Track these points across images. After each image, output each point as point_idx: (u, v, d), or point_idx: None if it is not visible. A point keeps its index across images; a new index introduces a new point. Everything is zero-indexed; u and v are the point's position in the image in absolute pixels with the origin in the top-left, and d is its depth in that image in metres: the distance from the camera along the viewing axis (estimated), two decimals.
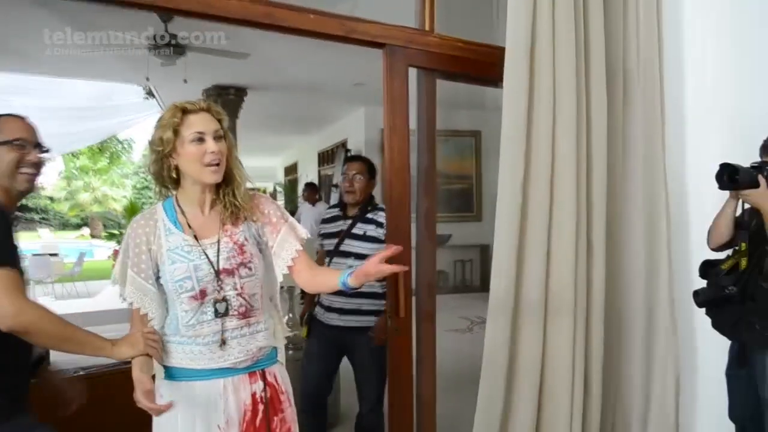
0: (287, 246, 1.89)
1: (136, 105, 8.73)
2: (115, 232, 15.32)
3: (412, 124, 2.59)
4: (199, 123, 1.76)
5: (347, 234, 3.19)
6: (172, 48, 5.14)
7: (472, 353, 2.51)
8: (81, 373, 2.84)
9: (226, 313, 1.78)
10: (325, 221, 3.41)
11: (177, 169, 1.80)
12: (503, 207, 2.43)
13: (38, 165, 1.85)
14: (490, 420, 2.45)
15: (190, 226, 1.82)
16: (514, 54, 2.40)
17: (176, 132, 1.75)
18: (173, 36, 5.04)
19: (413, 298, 2.61)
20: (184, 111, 1.76)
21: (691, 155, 2.95)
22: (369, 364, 3.14)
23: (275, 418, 1.86)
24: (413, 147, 2.66)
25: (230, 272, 1.79)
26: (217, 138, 1.77)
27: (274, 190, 19.75)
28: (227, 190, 1.84)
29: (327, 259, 3.25)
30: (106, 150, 26.99)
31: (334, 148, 11.04)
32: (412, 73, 2.61)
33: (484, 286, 9.52)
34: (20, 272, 1.66)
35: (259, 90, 8.03)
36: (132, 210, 15.07)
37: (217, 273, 1.78)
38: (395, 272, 1.80)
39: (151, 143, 1.80)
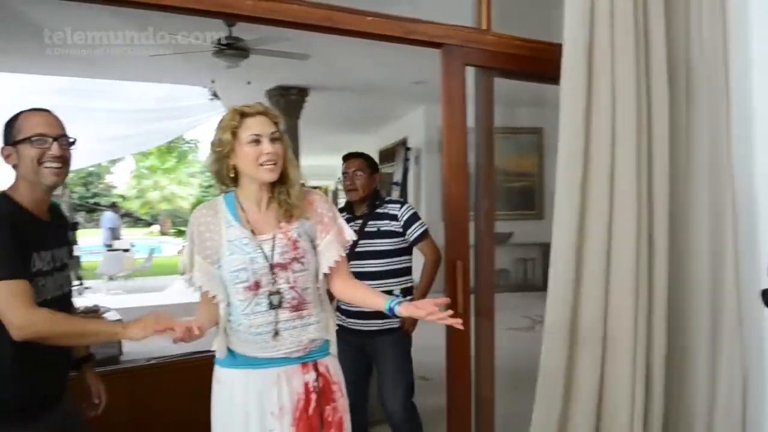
0: (331, 250, 1.97)
1: (201, 106, 8.99)
2: (183, 228, 15.81)
3: (471, 122, 2.60)
4: (255, 126, 1.86)
5: (360, 234, 3.03)
6: (236, 51, 5.28)
7: (534, 352, 2.50)
8: (153, 361, 2.98)
9: (279, 305, 1.87)
10: None
11: (235, 168, 1.90)
12: (561, 206, 2.42)
13: (62, 158, 1.85)
14: (548, 419, 2.44)
15: (248, 221, 1.92)
16: (571, 50, 2.38)
17: (234, 134, 1.86)
18: (237, 39, 5.19)
19: (472, 297, 2.62)
20: (243, 114, 1.87)
21: (759, 153, 2.85)
22: (396, 369, 3.05)
23: (327, 408, 1.93)
24: (471, 146, 2.67)
25: (284, 266, 1.88)
26: (273, 140, 1.87)
27: (336, 188, 19.97)
28: (282, 189, 1.93)
29: None
30: (174, 150, 27.80)
31: (394, 146, 11.08)
32: (470, 71, 2.62)
33: (546, 285, 9.37)
34: (27, 278, 1.69)
35: (320, 90, 8.14)
36: None
37: (272, 267, 1.87)
38: (447, 323, 1.84)
39: (212, 144, 1.91)
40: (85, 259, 12.71)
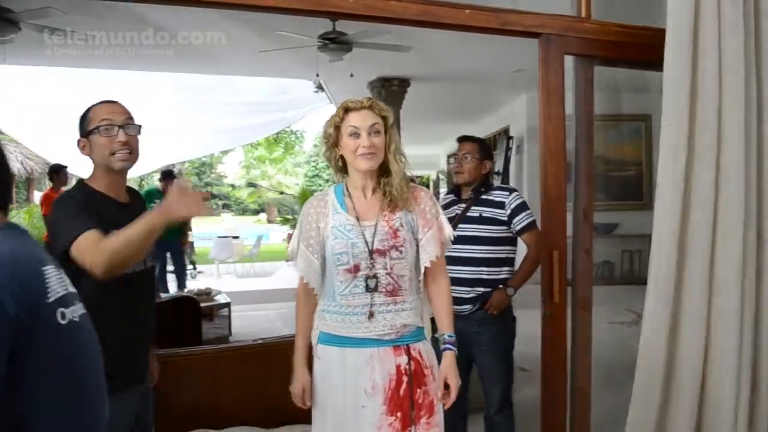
0: (432, 246, 2.05)
1: (307, 98, 9.28)
2: (289, 217, 16.35)
3: (570, 110, 2.58)
4: (356, 119, 1.99)
5: (461, 218, 3.01)
6: (340, 45, 5.43)
7: (638, 347, 2.46)
8: (259, 341, 3.16)
9: (375, 289, 1.98)
10: (444, 206, 3.16)
11: (342, 158, 2.05)
12: (663, 195, 2.37)
13: (128, 144, 1.97)
14: (645, 416, 2.41)
15: (354, 208, 2.05)
16: (675, 36, 2.32)
17: (337, 128, 2.02)
18: (341, 33, 5.33)
19: (568, 288, 2.62)
20: (347, 109, 2.01)
21: None
22: (492, 363, 2.98)
23: (418, 390, 2.00)
24: (571, 135, 2.65)
25: (382, 253, 1.99)
26: (373, 133, 1.98)
27: (437, 177, 20.00)
28: (386, 180, 2.04)
29: None
30: (281, 141, 28.76)
31: (495, 135, 10.99)
32: (569, 60, 2.59)
33: None
34: (97, 228, 1.81)
35: (421, 80, 8.19)
36: (304, 196, 15.91)
37: (371, 252, 1.98)
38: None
39: (323, 136, 2.10)
40: (198, 245, 13.40)
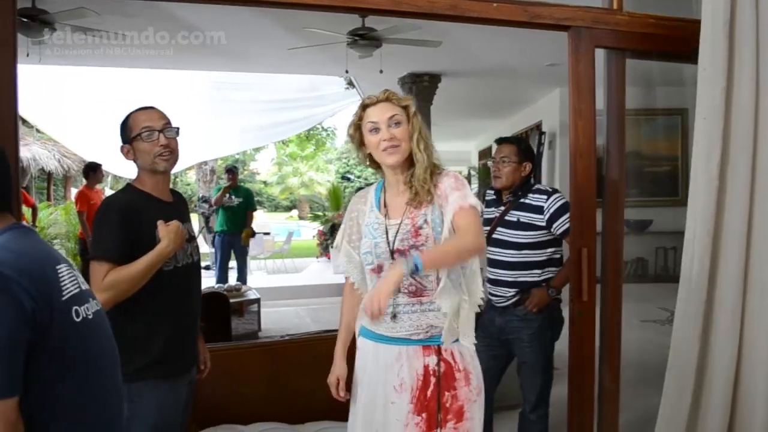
0: (448, 209, 1.89)
1: (338, 95, 9.29)
2: (320, 213, 16.39)
3: (601, 104, 2.54)
4: (374, 114, 1.96)
5: (499, 221, 2.98)
6: (369, 41, 5.41)
7: (667, 344, 2.42)
8: (286, 337, 3.17)
9: (398, 289, 1.90)
10: (486, 204, 3.14)
11: (371, 156, 2.02)
12: (697, 190, 2.34)
13: (168, 146, 2.11)
14: (676, 416, 2.36)
15: (385, 206, 2.03)
16: (710, 27, 2.27)
17: (358, 127, 2.00)
18: (370, 30, 5.31)
19: (597, 286, 2.57)
20: (364, 106, 1.99)
21: None
22: (531, 360, 2.95)
23: (447, 393, 1.92)
24: (602, 129, 2.59)
25: (402, 252, 1.92)
26: (394, 125, 1.94)
27: (469, 173, 19.89)
28: (411, 172, 1.97)
29: None
30: (313, 138, 28.82)
31: (528, 130, 10.86)
32: (599, 53, 2.54)
33: None
34: (117, 258, 1.96)
35: (452, 76, 8.12)
36: (335, 193, 15.94)
37: (392, 252, 1.94)
38: None
39: (348, 138, 2.07)
40: None
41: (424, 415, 1.91)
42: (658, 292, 6.95)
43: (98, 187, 8.24)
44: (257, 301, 6.52)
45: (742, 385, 2.38)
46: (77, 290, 1.29)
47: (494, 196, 3.13)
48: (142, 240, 2.00)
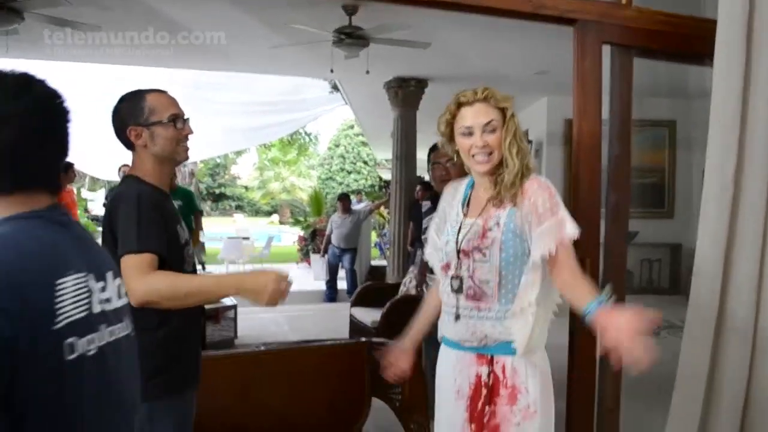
0: (544, 239, 1.77)
1: (321, 99, 9.14)
2: (301, 219, 16.18)
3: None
4: (469, 117, 1.84)
5: None
6: (356, 40, 5.24)
7: (660, 358, 2.29)
8: (262, 347, 2.99)
9: (459, 290, 1.86)
10: (423, 218, 3.02)
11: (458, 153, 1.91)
12: (710, 201, 2.21)
13: (188, 136, 1.95)
14: (686, 428, 2.24)
15: (468, 204, 1.95)
16: (727, 26, 2.15)
17: (450, 124, 1.89)
18: (357, 28, 5.14)
19: None
20: (459, 104, 1.87)
21: None
22: None
23: (487, 408, 1.84)
24: (604, 136, 2.45)
25: (467, 254, 1.85)
26: (489, 131, 1.81)
27: None
28: (499, 172, 1.85)
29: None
30: (295, 142, 28.66)
31: None
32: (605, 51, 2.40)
33: (673, 288, 8.80)
34: (158, 251, 1.72)
35: (439, 81, 8.01)
36: (317, 199, 15.73)
37: (458, 252, 1.87)
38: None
39: (438, 131, 1.95)
40: (208, 246, 13.30)
41: (473, 426, 1.86)
42: (645, 304, 6.80)
43: (70, 186, 7.91)
44: (234, 307, 6.29)
45: (753, 407, 2.27)
46: (82, 314, 0.97)
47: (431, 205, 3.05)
48: (170, 240, 1.82)
